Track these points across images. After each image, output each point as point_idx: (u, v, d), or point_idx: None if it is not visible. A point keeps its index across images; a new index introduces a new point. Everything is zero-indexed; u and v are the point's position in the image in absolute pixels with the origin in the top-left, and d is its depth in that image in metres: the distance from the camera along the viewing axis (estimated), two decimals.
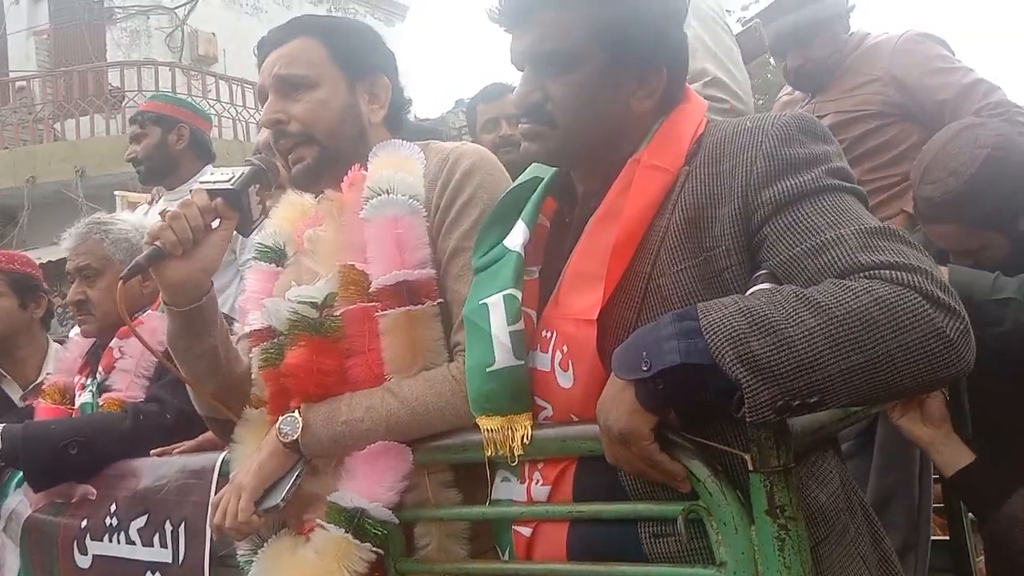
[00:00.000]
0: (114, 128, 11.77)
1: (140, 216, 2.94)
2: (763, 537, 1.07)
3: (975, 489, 1.66)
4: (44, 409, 2.38)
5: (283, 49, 1.58)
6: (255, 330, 1.59)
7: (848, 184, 1.19)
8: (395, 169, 1.51)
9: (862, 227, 1.12)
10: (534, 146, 1.33)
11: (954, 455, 1.65)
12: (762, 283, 1.15)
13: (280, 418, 1.46)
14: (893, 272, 1.05)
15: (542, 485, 1.28)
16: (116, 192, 5.43)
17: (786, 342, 0.99)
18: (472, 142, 2.22)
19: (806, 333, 1.00)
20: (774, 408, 0.99)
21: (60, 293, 5.33)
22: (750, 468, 1.08)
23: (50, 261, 6.08)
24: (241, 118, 12.40)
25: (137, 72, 12.14)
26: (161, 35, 13.76)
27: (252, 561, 1.51)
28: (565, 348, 1.25)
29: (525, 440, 1.26)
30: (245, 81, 12.50)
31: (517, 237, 1.36)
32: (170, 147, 3.28)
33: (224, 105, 12.30)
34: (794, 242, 1.14)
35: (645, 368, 1.06)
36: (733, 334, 1.00)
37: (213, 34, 13.99)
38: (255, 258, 1.69)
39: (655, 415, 1.09)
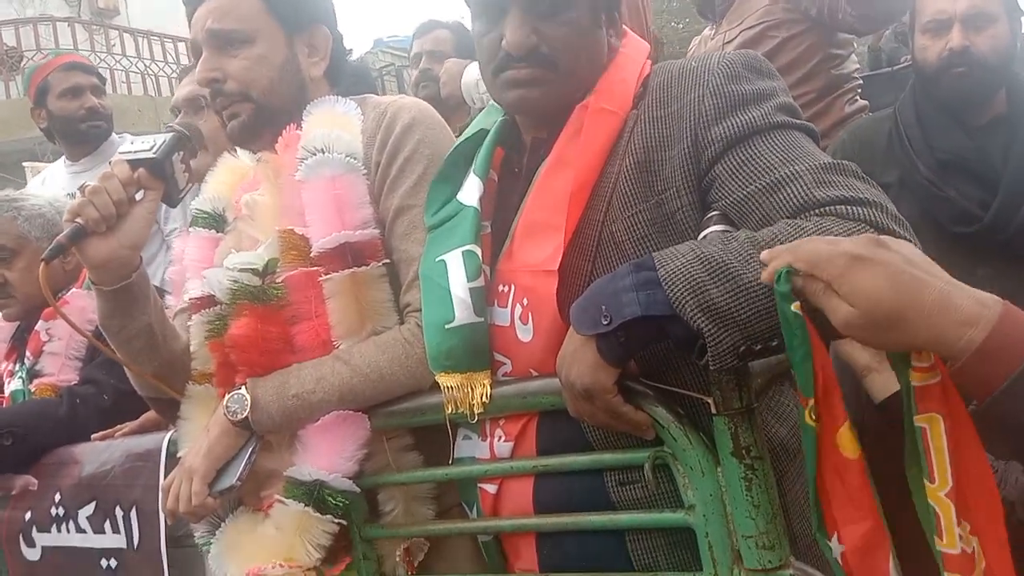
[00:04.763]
0: (14, 91, 11.15)
1: (47, 188, 2.77)
2: (730, 478, 1.08)
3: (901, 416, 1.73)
4: None
5: (215, 1, 1.48)
6: (195, 299, 1.52)
7: (797, 120, 1.19)
8: (330, 127, 1.44)
9: (816, 163, 1.11)
10: (535, 91, 1.26)
11: (886, 382, 1.72)
12: (714, 224, 1.14)
13: (226, 396, 1.41)
14: (847, 207, 1.05)
15: (505, 441, 1.27)
16: (25, 164, 5.12)
17: (745, 288, 0.98)
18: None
19: None
20: (737, 354, 0.99)
21: None
22: (713, 411, 1.08)
23: None
24: (150, 72, 11.85)
25: (33, 29, 11.43)
26: None
27: (211, 542, 1.48)
28: (525, 301, 1.22)
29: (484, 398, 1.25)
30: (151, 33, 11.94)
31: (472, 192, 1.32)
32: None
33: (131, 60, 11.75)
34: (747, 181, 1.12)
35: (605, 322, 1.04)
36: (692, 283, 0.99)
37: None
38: (193, 224, 1.61)
39: (617, 368, 1.08)
